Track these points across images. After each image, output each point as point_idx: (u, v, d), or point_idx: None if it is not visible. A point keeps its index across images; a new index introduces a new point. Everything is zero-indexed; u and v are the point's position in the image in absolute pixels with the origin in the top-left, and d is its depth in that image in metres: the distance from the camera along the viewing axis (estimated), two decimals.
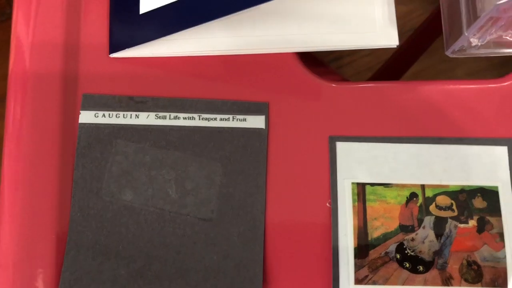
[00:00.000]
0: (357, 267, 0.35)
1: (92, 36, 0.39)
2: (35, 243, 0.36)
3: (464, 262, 0.36)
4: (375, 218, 0.36)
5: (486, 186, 0.37)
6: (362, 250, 0.36)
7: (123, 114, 0.37)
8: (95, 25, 0.39)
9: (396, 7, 0.39)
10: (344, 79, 0.65)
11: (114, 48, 0.38)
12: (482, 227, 0.36)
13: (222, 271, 0.35)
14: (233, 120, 0.37)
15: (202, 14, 0.35)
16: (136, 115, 0.37)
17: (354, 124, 0.38)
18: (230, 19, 0.37)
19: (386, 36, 0.38)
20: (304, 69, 0.39)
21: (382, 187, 0.37)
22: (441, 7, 0.39)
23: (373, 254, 0.36)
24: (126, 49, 0.37)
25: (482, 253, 0.36)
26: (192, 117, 0.37)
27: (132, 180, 0.36)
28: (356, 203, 0.36)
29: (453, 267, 0.35)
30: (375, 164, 0.37)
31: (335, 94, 0.38)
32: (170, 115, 0.37)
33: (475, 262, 0.36)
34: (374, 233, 0.36)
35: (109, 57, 0.38)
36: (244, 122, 0.37)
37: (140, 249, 0.35)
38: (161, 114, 0.37)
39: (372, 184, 0.37)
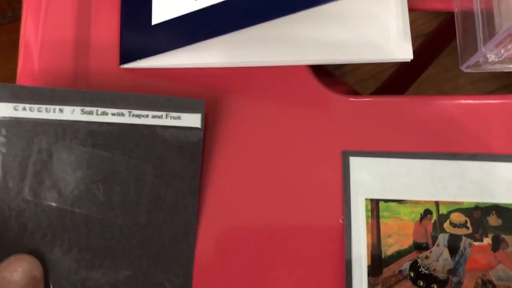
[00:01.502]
0: (371, 285, 0.35)
1: (103, 45, 0.38)
2: None
3: (479, 281, 0.35)
4: (389, 235, 0.36)
5: (501, 204, 0.36)
6: (375, 267, 0.35)
7: (46, 108, 0.35)
8: (106, 34, 0.38)
9: None
10: (351, 88, 0.64)
11: (125, 59, 0.37)
12: (497, 245, 0.36)
13: (151, 276, 0.34)
14: (166, 118, 0.35)
15: (215, 27, 0.35)
16: (60, 109, 0.35)
17: (368, 138, 0.37)
18: (242, 32, 0.36)
19: (400, 50, 0.38)
20: (316, 82, 0.38)
21: (396, 203, 0.36)
22: (455, 22, 0.38)
23: (386, 272, 0.35)
24: (137, 60, 0.37)
25: (497, 272, 0.35)
26: (122, 113, 0.35)
27: (57, 180, 0.34)
28: (370, 220, 0.36)
29: (468, 286, 0.35)
30: (389, 180, 0.37)
31: (348, 108, 0.38)
32: (97, 110, 0.35)
33: (490, 281, 0.35)
34: (388, 250, 0.35)
35: (120, 68, 0.38)
36: (179, 120, 0.36)
37: (66, 253, 0.34)
38: (87, 109, 0.35)
39: (386, 201, 0.36)
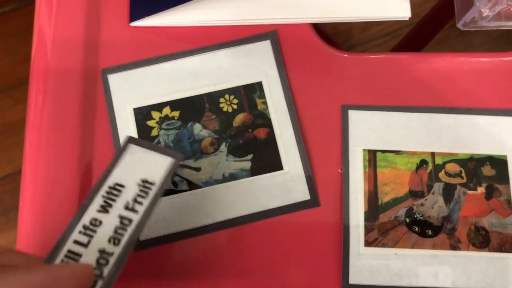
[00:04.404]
0: (367, 230, 0.36)
1: (113, 7, 0.40)
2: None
3: (472, 227, 0.36)
4: (386, 184, 0.37)
5: (495, 155, 0.38)
6: (372, 213, 0.37)
7: None
8: None
9: None
10: None
11: (134, 16, 0.39)
12: (490, 194, 0.37)
13: None
14: None
15: None
16: None
17: (366, 93, 0.39)
18: None
19: (399, 8, 0.39)
20: (318, 39, 0.40)
21: (393, 154, 0.38)
22: None
23: (383, 217, 0.37)
24: (146, 17, 0.38)
25: (490, 219, 0.36)
26: None
27: None
28: (367, 169, 0.37)
29: (461, 232, 0.36)
30: (386, 132, 0.38)
31: (349, 65, 0.39)
32: None
33: (483, 228, 0.36)
34: (384, 197, 0.37)
35: (129, 26, 0.39)
36: None
37: None
38: None
39: (383, 151, 0.38)
